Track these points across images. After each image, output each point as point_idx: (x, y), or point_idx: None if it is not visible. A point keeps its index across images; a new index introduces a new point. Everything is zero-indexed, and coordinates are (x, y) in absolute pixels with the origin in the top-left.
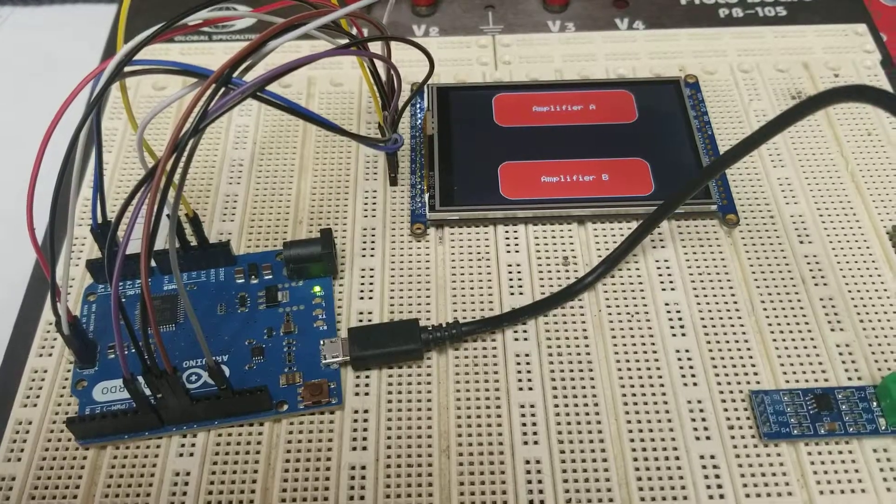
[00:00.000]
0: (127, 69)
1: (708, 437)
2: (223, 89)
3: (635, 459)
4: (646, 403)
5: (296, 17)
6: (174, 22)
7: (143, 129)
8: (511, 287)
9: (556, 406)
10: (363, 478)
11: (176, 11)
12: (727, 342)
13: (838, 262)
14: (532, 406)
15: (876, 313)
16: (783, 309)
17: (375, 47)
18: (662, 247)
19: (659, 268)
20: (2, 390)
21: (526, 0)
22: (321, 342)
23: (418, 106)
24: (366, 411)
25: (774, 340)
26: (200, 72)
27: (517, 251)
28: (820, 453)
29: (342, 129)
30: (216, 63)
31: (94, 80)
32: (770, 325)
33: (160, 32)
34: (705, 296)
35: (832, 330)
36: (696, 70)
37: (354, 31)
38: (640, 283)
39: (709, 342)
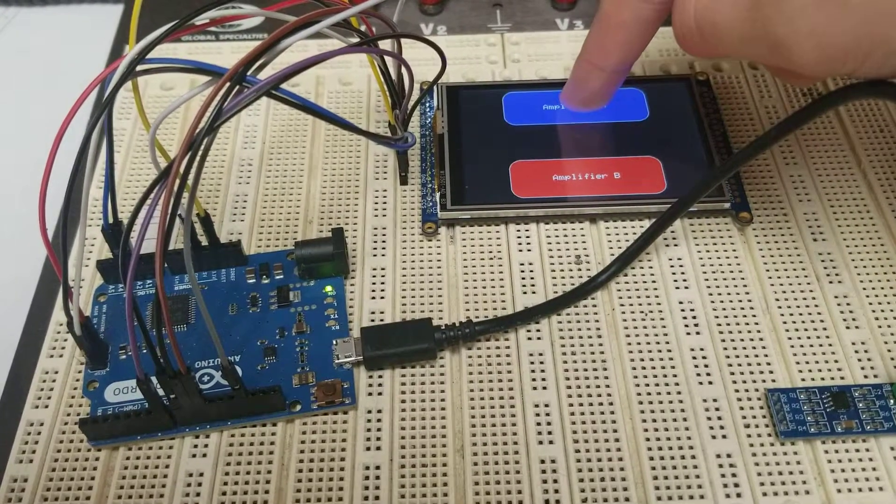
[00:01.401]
0: (139, 68)
1: (724, 436)
2: (237, 87)
3: (651, 458)
4: (661, 402)
5: (308, 16)
6: (186, 20)
7: (155, 128)
8: (524, 286)
9: (571, 405)
10: (377, 478)
11: (182, 11)
12: (742, 340)
13: (853, 260)
14: (546, 405)
15: (892, 310)
16: (798, 307)
17: (386, 45)
18: (675, 245)
19: (672, 266)
20: (13, 391)
21: None
22: (334, 342)
23: (428, 105)
24: (379, 411)
25: (790, 338)
26: (214, 70)
27: (529, 250)
28: (837, 451)
29: (356, 127)
30: (224, 62)
31: (105, 79)
32: (785, 322)
33: (173, 31)
34: (719, 294)
35: (847, 328)
36: (705, 68)
37: (364, 29)
38: (654, 281)
39: (723, 340)
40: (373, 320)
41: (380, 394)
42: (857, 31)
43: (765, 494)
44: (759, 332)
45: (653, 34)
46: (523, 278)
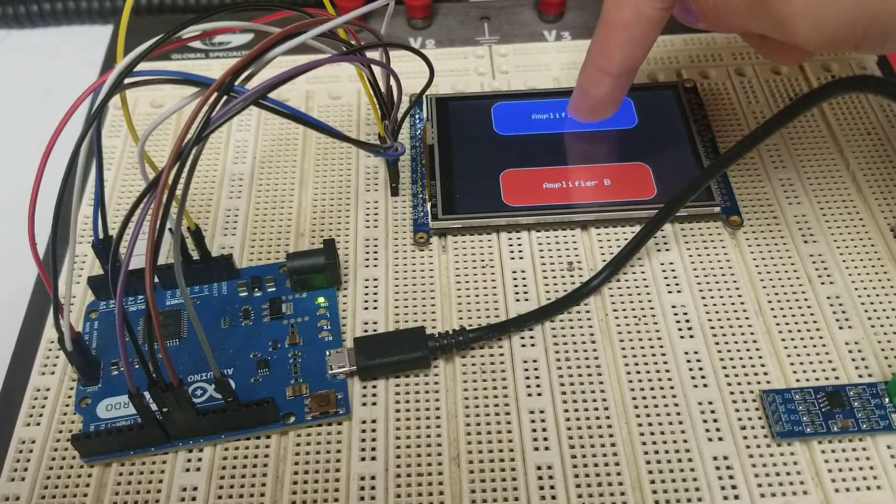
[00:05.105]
0: (127, 81)
1: (720, 438)
2: (225, 97)
3: (648, 462)
4: (656, 406)
5: (294, 26)
6: (173, 33)
7: (144, 140)
8: (516, 293)
9: (566, 411)
10: (373, 488)
11: None
12: (736, 343)
13: (844, 261)
14: (542, 411)
15: (884, 310)
16: (791, 308)
17: (374, 56)
18: (667, 250)
19: (664, 270)
20: (4, 409)
21: (521, 10)
22: (327, 353)
23: (417, 116)
24: (374, 421)
25: (783, 340)
26: (202, 80)
27: (521, 258)
28: (834, 451)
29: (343, 135)
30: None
31: (94, 93)
32: (778, 324)
33: (159, 44)
34: (712, 297)
35: (840, 328)
36: (693, 75)
37: (354, 43)
38: (646, 286)
39: (717, 343)
40: (366, 330)
41: (374, 404)
42: (851, 10)
43: (762, 496)
44: (752, 334)
45: (656, 34)
46: (516, 286)
